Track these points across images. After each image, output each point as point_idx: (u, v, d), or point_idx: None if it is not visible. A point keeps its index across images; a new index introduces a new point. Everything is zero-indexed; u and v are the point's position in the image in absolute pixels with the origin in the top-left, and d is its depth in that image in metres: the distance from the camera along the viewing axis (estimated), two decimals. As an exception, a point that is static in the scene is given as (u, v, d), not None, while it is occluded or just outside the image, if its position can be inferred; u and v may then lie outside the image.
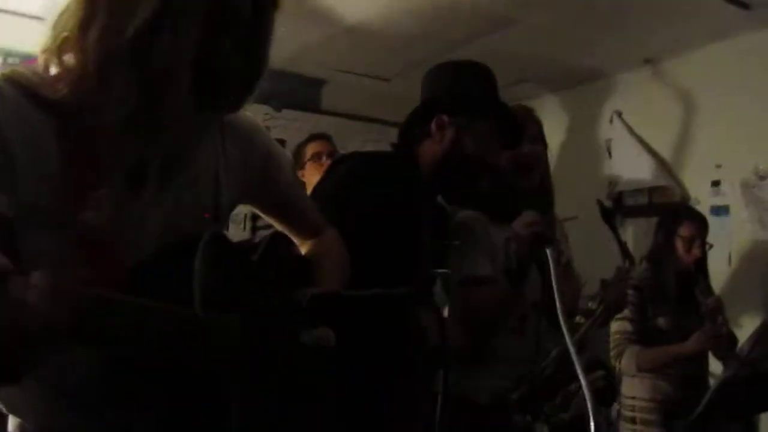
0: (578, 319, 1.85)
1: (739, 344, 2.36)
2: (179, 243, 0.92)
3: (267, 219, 1.28)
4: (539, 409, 1.69)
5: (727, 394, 2.23)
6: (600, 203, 2.06)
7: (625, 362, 2.64)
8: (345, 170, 1.68)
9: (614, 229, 1.95)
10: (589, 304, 1.88)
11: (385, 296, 1.03)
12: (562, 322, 1.41)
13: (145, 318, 0.80)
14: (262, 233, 1.34)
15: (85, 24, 0.88)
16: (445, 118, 1.69)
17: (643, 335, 2.64)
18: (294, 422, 0.97)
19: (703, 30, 3.33)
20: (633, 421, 2.68)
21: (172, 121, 0.95)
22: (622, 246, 2.53)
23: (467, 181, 1.73)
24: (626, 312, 2.62)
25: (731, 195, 3.36)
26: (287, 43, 3.69)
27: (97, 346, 0.82)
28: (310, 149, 3.18)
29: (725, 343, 2.46)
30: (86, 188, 0.89)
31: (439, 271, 1.46)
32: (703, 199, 3.44)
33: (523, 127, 1.84)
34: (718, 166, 3.43)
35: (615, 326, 2.65)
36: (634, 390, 2.70)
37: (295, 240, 1.27)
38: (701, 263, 2.68)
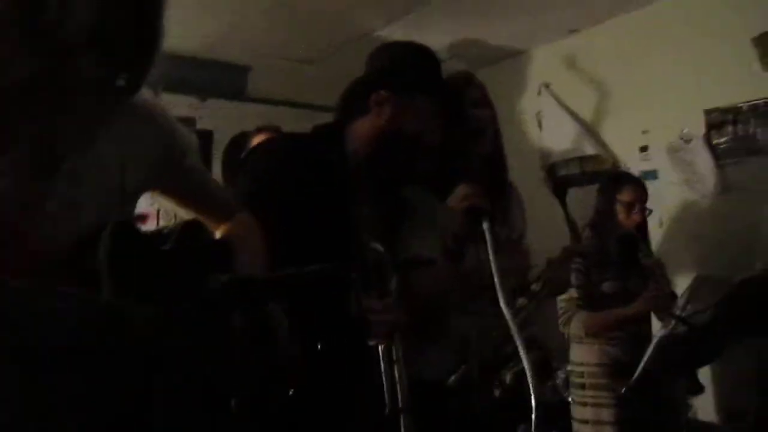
0: (521, 302, 1.82)
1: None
2: (86, 232, 0.86)
3: (175, 207, 1.21)
4: (475, 393, 1.67)
5: (665, 353, 2.27)
6: (552, 177, 2.03)
7: (573, 328, 2.68)
8: (254, 159, 1.66)
9: (564, 205, 1.92)
10: (533, 286, 1.85)
11: (299, 276, 0.98)
12: (501, 300, 1.38)
13: (50, 304, 0.73)
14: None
15: None
16: (384, 93, 1.64)
17: (590, 301, 2.67)
18: (217, 411, 0.91)
19: (623, -2, 3.38)
20: (582, 386, 2.72)
21: (74, 103, 0.88)
22: (571, 222, 2.55)
23: (404, 159, 1.68)
24: (572, 279, 2.63)
25: (659, 159, 3.43)
26: (207, 30, 3.57)
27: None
28: (257, 141, 3.03)
29: (668, 303, 2.49)
30: None
31: (373, 247, 1.43)
32: (632, 165, 3.51)
33: (462, 94, 1.79)
34: (645, 132, 3.50)
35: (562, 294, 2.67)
36: (583, 356, 2.74)
37: (209, 223, 1.20)
38: (642, 227, 2.72)
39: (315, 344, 1.25)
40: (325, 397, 1.39)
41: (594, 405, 2.66)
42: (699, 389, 2.62)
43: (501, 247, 1.66)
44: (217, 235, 1.22)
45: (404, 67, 1.69)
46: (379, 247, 1.41)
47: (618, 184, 2.81)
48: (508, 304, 1.40)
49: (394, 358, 1.36)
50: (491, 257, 1.45)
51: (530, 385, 1.28)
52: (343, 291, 1.39)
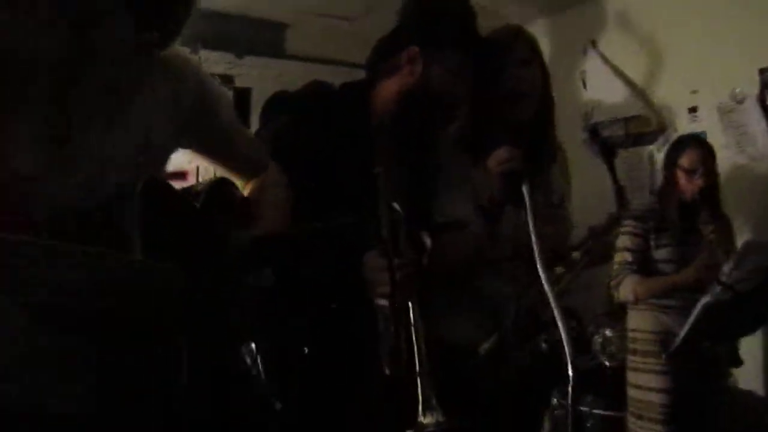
0: (558, 270, 1.76)
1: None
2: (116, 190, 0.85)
3: (206, 160, 1.20)
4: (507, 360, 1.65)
5: (709, 319, 2.21)
6: (601, 141, 1.93)
7: (623, 291, 2.63)
8: (281, 113, 1.65)
9: (612, 169, 1.83)
10: (574, 255, 1.79)
11: (324, 231, 0.97)
12: (539, 267, 1.34)
13: (80, 263, 0.73)
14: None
15: None
16: (416, 49, 1.58)
17: (644, 265, 2.62)
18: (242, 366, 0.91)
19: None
20: (634, 352, 2.68)
21: (103, 60, 0.87)
22: (618, 187, 2.45)
23: (433, 118, 1.63)
24: (627, 242, 2.61)
25: (708, 120, 3.30)
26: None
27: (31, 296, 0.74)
28: None
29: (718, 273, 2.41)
30: (6, 124, 0.80)
31: (391, 206, 1.40)
32: (680, 126, 3.39)
33: (508, 51, 1.71)
34: (694, 92, 3.37)
35: (616, 257, 2.63)
36: (636, 322, 2.70)
37: (238, 180, 1.19)
38: (707, 192, 2.60)
39: (330, 303, 1.24)
40: (337, 360, 1.38)
41: (644, 371, 2.61)
42: (737, 361, 2.57)
43: (540, 212, 1.61)
44: (245, 191, 1.21)
45: (435, 21, 1.62)
46: (396, 206, 1.37)
47: (678, 149, 2.71)
48: (546, 270, 1.36)
49: (412, 319, 1.33)
50: (530, 222, 1.40)
51: (566, 354, 1.24)
52: (362, 247, 1.37)
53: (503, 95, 1.72)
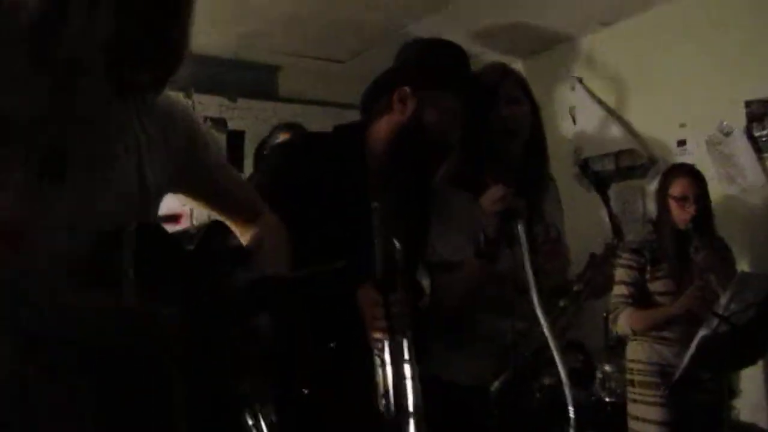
0: (562, 303, 1.76)
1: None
2: (110, 232, 0.85)
3: (199, 204, 1.19)
4: (519, 398, 1.63)
5: (708, 352, 2.20)
6: (593, 173, 1.94)
7: (620, 325, 2.63)
8: (273, 157, 1.64)
9: (606, 201, 1.84)
10: (575, 288, 1.79)
11: (320, 274, 0.97)
12: (535, 305, 1.34)
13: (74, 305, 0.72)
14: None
15: None
16: (407, 89, 1.60)
17: (641, 298, 2.62)
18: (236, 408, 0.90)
19: (658, -12, 3.30)
20: (632, 383, 2.68)
21: (87, 109, 0.87)
22: (613, 219, 2.45)
23: (426, 155, 1.64)
24: (623, 275, 2.60)
25: (697, 153, 3.34)
26: (237, 32, 3.59)
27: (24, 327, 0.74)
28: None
29: (711, 303, 2.40)
30: None
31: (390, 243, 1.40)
32: (670, 159, 3.42)
33: (496, 90, 1.73)
34: (683, 126, 3.41)
35: (613, 290, 2.59)
36: (634, 353, 2.69)
37: (234, 226, 1.19)
38: (700, 219, 2.60)
39: (328, 342, 1.23)
40: (334, 397, 1.36)
41: (643, 403, 2.60)
42: (734, 392, 2.55)
43: (537, 247, 1.61)
44: (242, 236, 1.20)
45: (428, 63, 1.65)
46: (395, 241, 1.38)
47: (668, 179, 2.73)
48: (545, 307, 1.36)
49: (406, 357, 1.32)
50: (526, 261, 1.40)
51: (567, 394, 1.26)
52: (356, 288, 1.37)
53: (494, 133, 1.73)
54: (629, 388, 2.70)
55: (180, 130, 1.07)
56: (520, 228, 1.47)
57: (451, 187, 1.76)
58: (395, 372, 1.30)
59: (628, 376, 2.71)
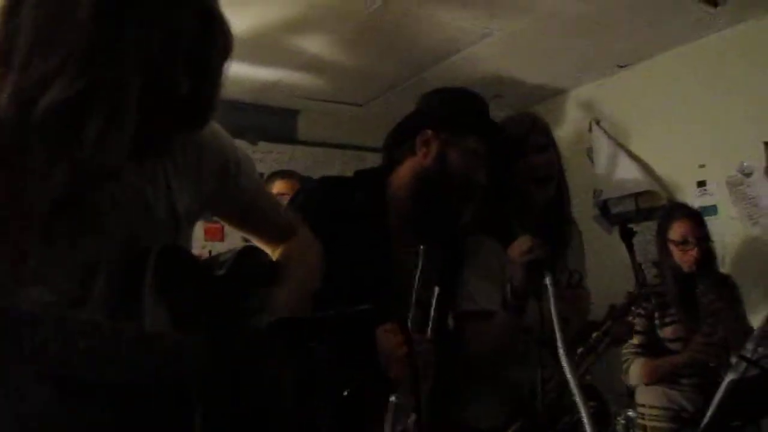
0: (580, 350, 1.73)
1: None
2: (134, 256, 0.85)
3: (234, 227, 1.19)
4: None
5: (737, 397, 2.13)
6: (621, 223, 1.91)
7: (632, 377, 2.58)
8: (301, 200, 1.65)
9: (630, 249, 1.82)
10: (594, 336, 1.76)
11: (345, 316, 0.96)
12: (562, 356, 1.32)
13: (92, 337, 0.72)
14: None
15: (3, 58, 0.79)
16: (430, 132, 1.62)
17: (652, 347, 2.55)
18: None
19: (675, 30, 3.32)
20: (644, 429, 2.59)
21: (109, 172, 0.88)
22: (636, 269, 2.42)
23: (450, 200, 1.64)
24: (636, 323, 2.54)
25: (718, 194, 3.32)
26: (257, 78, 3.66)
27: (48, 370, 0.73)
28: (276, 187, 3.02)
29: (719, 350, 2.34)
30: (11, 229, 0.80)
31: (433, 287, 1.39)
32: (690, 201, 3.37)
33: (525, 139, 1.74)
34: (702, 166, 3.40)
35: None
36: (645, 398, 2.63)
37: (267, 247, 1.18)
38: (703, 262, 2.55)
39: (349, 387, 1.22)
40: None
41: None
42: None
43: (561, 292, 1.58)
44: (274, 256, 1.20)
45: (451, 107, 1.68)
46: (437, 288, 1.38)
47: (667, 221, 2.66)
48: (569, 356, 1.35)
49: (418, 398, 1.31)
50: (554, 312, 1.39)
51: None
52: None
53: (524, 181, 1.74)
54: None
55: (212, 153, 1.07)
56: (548, 279, 1.46)
57: (479, 235, 1.75)
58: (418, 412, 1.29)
59: (640, 421, 2.62)
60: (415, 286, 1.37)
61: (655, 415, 2.56)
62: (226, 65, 0.93)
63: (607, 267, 2.57)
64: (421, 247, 1.41)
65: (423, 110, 1.72)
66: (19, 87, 0.77)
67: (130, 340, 0.75)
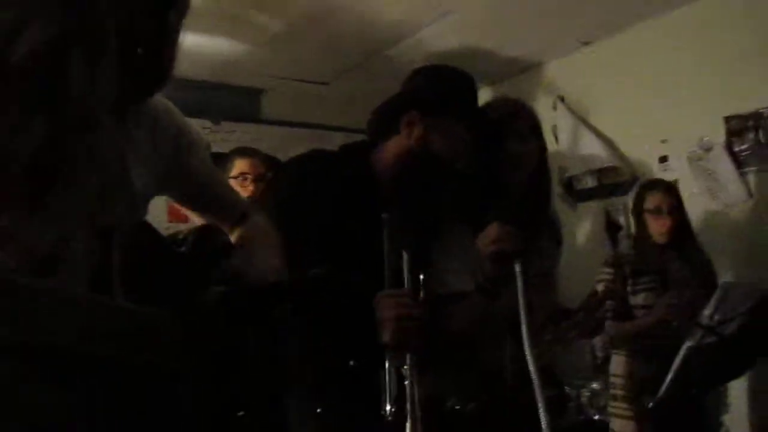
0: (548, 337, 1.76)
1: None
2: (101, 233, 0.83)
3: (186, 209, 1.18)
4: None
5: (694, 365, 2.19)
6: (607, 215, 1.93)
7: (600, 339, 2.67)
8: (282, 177, 1.68)
9: (615, 244, 1.85)
10: (563, 325, 1.79)
11: (300, 282, 0.96)
12: (526, 347, 1.37)
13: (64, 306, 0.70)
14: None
15: None
16: (416, 113, 1.61)
17: (622, 312, 2.62)
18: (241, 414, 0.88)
19: (637, 7, 3.35)
20: (614, 398, 2.68)
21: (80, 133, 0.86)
22: (618, 259, 2.48)
23: (431, 181, 1.64)
24: (603, 289, 2.60)
25: (679, 169, 3.37)
26: (220, 55, 3.60)
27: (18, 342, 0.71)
28: (238, 167, 2.89)
29: (685, 312, 2.41)
30: None
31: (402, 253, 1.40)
32: (652, 175, 3.44)
33: (506, 125, 1.73)
34: (664, 141, 3.45)
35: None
36: (615, 368, 2.71)
37: (223, 228, 1.17)
38: (676, 232, 2.64)
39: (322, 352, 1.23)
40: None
41: (622, 417, 2.61)
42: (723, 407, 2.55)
43: (532, 281, 1.59)
44: (232, 238, 1.19)
45: (437, 89, 1.67)
46: (405, 253, 1.40)
47: (642, 194, 2.78)
48: (534, 343, 1.39)
49: (408, 363, 1.33)
50: (520, 301, 1.42)
51: (543, 422, 1.32)
52: (356, 297, 1.38)
53: (498, 168, 1.73)
54: (611, 402, 2.71)
55: (167, 132, 1.06)
56: (517, 268, 1.48)
57: (451, 219, 1.75)
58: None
59: (611, 390, 2.72)
60: (385, 253, 1.38)
61: (622, 385, 2.64)
62: (182, 24, 0.92)
63: (572, 242, 2.62)
64: (383, 215, 1.41)
65: (409, 90, 1.71)
66: None
67: (109, 313, 0.74)
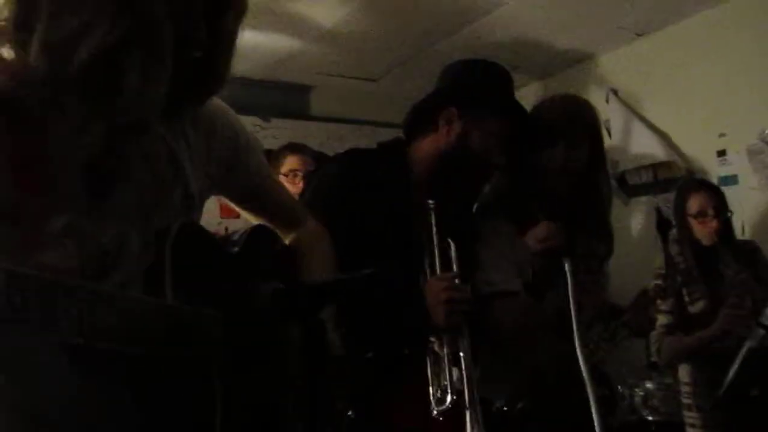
0: (596, 337, 1.74)
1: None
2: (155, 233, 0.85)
3: (240, 210, 1.19)
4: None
5: (754, 365, 2.12)
6: (659, 212, 1.89)
7: (664, 357, 2.55)
8: (322, 174, 1.69)
9: (665, 240, 1.80)
10: (613, 324, 1.76)
11: (349, 281, 0.97)
12: (576, 340, 1.36)
13: (103, 305, 0.72)
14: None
15: (22, 22, 0.79)
16: (455, 110, 1.60)
17: (681, 325, 2.50)
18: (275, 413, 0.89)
19: (693, -3, 3.25)
20: (689, 408, 2.55)
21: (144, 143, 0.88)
22: (668, 259, 2.40)
23: (470, 178, 1.64)
24: (661, 304, 2.50)
25: (738, 163, 3.26)
26: (270, 53, 3.64)
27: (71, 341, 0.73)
28: (288, 163, 2.91)
29: (747, 320, 2.30)
30: (40, 188, 0.80)
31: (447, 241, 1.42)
32: (709, 170, 3.34)
33: (562, 130, 1.70)
34: (722, 135, 3.34)
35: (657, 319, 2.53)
36: (682, 375, 2.59)
37: (276, 230, 1.18)
38: (723, 233, 2.51)
39: (366, 349, 1.24)
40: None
41: (694, 426, 2.50)
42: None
43: (579, 279, 1.58)
44: (286, 241, 1.20)
45: (476, 86, 1.66)
46: (451, 242, 1.39)
47: (684, 195, 2.63)
48: (583, 342, 1.38)
49: (462, 349, 1.34)
50: (570, 299, 1.41)
51: (594, 418, 1.31)
52: (395, 294, 1.38)
53: (546, 170, 1.71)
54: (686, 413, 2.56)
55: (224, 134, 1.07)
56: (567, 266, 1.46)
57: (497, 218, 1.74)
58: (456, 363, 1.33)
59: (684, 400, 2.59)
60: (434, 239, 1.39)
61: (689, 392, 2.53)
62: (239, 28, 0.93)
63: (625, 238, 2.56)
64: (430, 202, 1.41)
65: (448, 86, 1.70)
66: (48, 42, 0.76)
67: (153, 311, 0.76)
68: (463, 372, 1.34)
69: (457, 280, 1.45)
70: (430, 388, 1.35)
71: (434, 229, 1.43)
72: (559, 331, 1.57)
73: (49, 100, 0.79)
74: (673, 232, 2.58)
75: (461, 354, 1.36)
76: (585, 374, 1.34)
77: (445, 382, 1.33)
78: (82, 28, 0.75)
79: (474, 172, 1.64)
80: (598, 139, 1.78)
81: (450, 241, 1.43)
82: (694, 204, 2.56)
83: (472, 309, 1.43)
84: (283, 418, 0.93)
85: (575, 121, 1.74)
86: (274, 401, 0.93)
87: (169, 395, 0.78)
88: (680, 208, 2.61)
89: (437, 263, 1.44)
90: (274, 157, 2.91)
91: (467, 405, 1.31)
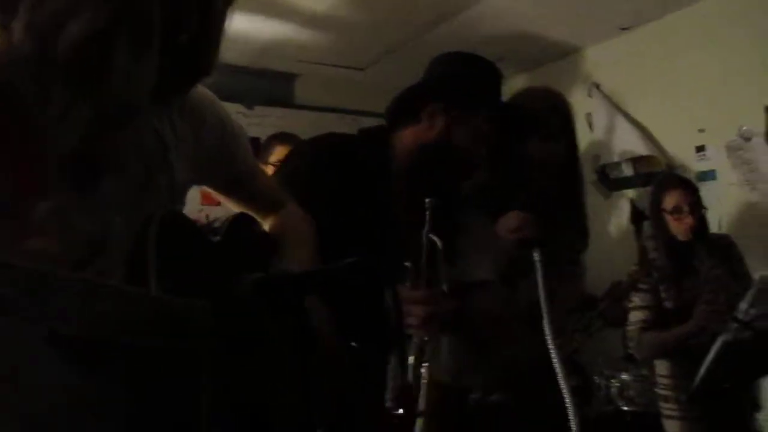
0: (572, 327, 1.75)
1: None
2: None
3: (223, 199, 1.19)
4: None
5: (728, 359, 2.16)
6: (633, 205, 1.92)
7: (640, 352, 2.58)
8: (297, 157, 1.66)
9: (639, 233, 1.82)
10: (588, 315, 1.77)
11: (333, 271, 0.97)
12: (548, 338, 1.36)
13: (95, 296, 0.72)
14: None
15: (5, 3, 0.78)
16: (439, 105, 1.59)
17: (658, 320, 2.53)
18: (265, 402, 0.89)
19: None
20: (666, 399, 2.59)
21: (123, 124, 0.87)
22: (642, 252, 2.42)
23: (449, 174, 1.63)
24: (635, 299, 2.54)
25: (717, 159, 3.31)
26: (254, 39, 3.61)
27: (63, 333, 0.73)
28: (277, 153, 2.87)
29: (722, 316, 2.32)
30: (25, 176, 0.80)
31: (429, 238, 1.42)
32: (689, 165, 3.39)
33: (538, 122, 1.71)
34: (701, 131, 3.38)
35: (630, 316, 2.56)
36: (660, 368, 2.62)
37: (258, 218, 1.18)
38: (699, 229, 2.54)
39: (350, 341, 1.24)
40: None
41: (671, 418, 2.53)
42: (756, 406, 2.49)
43: (556, 270, 1.59)
44: (267, 227, 1.20)
45: (462, 81, 1.64)
46: (435, 237, 1.39)
47: (660, 190, 2.64)
48: (556, 334, 1.38)
49: (425, 356, 1.33)
50: (540, 290, 1.41)
51: (570, 413, 1.29)
52: (377, 284, 1.38)
53: (522, 162, 1.72)
54: (663, 404, 2.60)
55: (210, 123, 1.06)
56: (537, 257, 1.47)
57: (472, 209, 1.74)
58: (414, 371, 1.32)
59: (660, 392, 2.62)
60: (425, 239, 1.39)
61: (669, 385, 2.56)
62: (228, 14, 0.92)
63: (605, 232, 2.59)
64: (428, 199, 1.41)
65: (434, 79, 1.68)
66: (32, 23, 0.74)
67: (144, 302, 0.76)
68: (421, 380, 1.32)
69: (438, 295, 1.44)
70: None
71: (427, 227, 1.42)
72: (532, 323, 1.59)
73: (34, 85, 0.78)
74: (647, 225, 2.60)
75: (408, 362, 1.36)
76: (556, 364, 1.34)
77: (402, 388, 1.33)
78: (68, 8, 0.74)
79: (454, 168, 1.62)
80: (574, 134, 1.80)
81: (437, 239, 1.42)
82: (670, 200, 2.57)
83: (450, 316, 1.43)
84: (273, 410, 0.93)
85: (554, 112, 1.77)
86: (263, 392, 0.93)
87: (161, 387, 0.78)
88: (656, 203, 2.62)
89: (423, 262, 1.43)
90: (263, 146, 2.89)
91: (420, 412, 1.29)
